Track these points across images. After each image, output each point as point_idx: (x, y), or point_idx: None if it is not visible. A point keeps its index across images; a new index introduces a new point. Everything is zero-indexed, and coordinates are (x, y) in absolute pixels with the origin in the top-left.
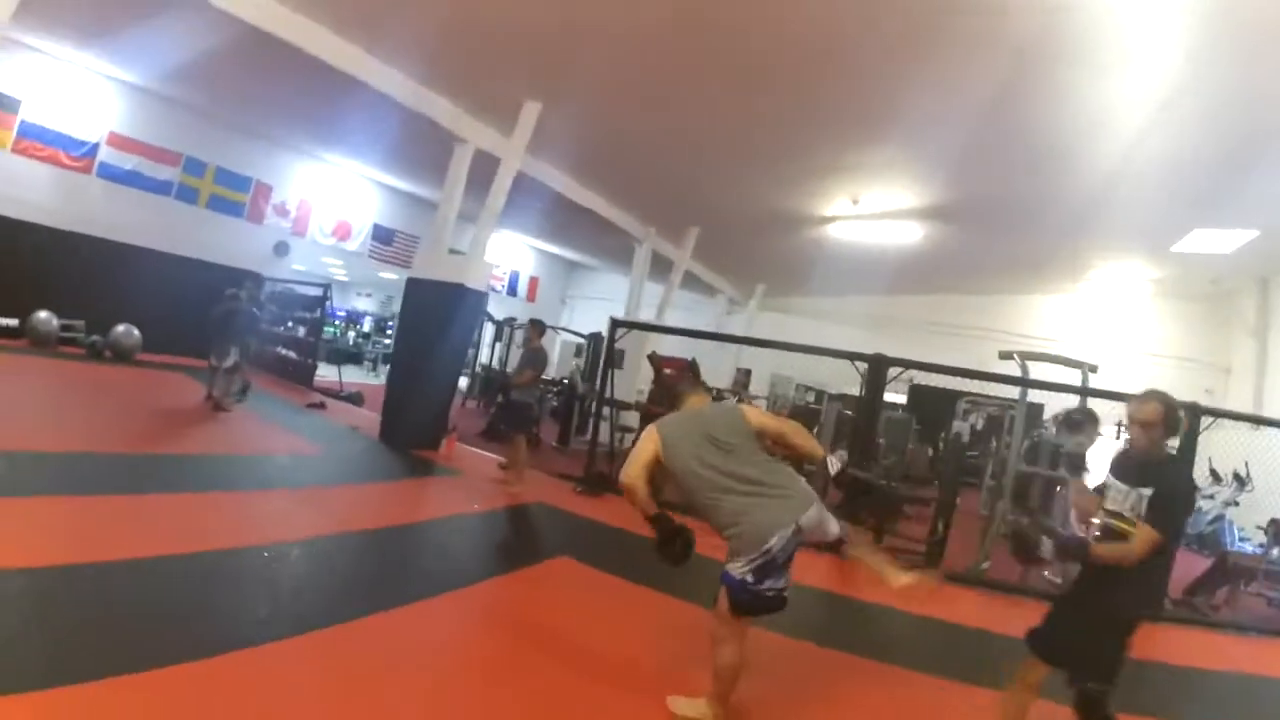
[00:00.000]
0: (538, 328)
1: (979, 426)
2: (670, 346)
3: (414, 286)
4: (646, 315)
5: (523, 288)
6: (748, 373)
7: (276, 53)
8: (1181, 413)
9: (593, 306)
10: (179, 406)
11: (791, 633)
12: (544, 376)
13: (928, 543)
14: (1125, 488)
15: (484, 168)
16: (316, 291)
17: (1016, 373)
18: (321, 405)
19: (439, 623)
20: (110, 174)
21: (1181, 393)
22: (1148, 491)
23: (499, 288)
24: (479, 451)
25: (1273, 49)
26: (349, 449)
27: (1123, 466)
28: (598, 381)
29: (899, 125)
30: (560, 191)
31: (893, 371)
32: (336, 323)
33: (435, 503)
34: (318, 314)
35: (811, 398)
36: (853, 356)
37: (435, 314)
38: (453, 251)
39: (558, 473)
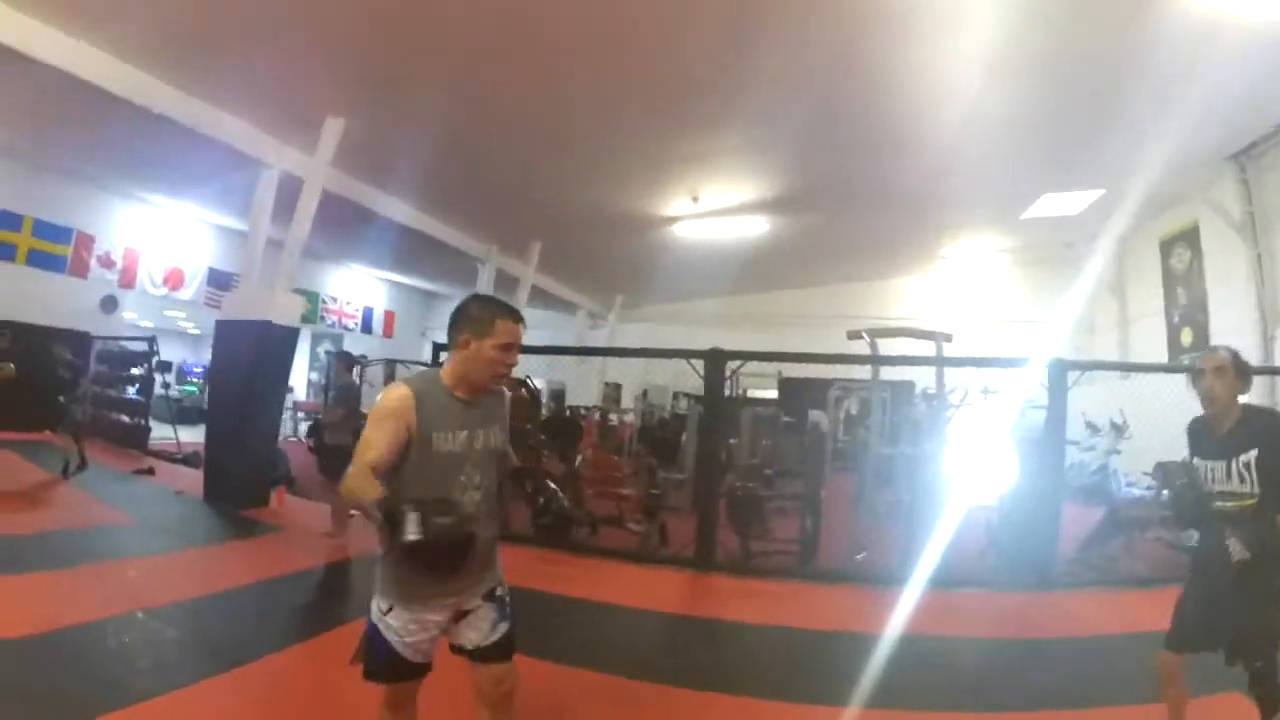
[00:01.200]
0: (344, 361)
1: (854, 411)
2: (531, 367)
3: (222, 329)
4: None
5: (378, 323)
6: (617, 386)
7: (87, 95)
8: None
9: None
10: None
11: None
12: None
13: (799, 541)
14: (1219, 462)
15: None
16: (143, 346)
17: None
18: (150, 471)
19: (203, 711)
20: None
21: (1048, 353)
22: (1253, 453)
23: (352, 325)
24: (312, 503)
25: (1098, 5)
26: (166, 515)
27: (1204, 441)
28: None
29: (727, 113)
30: (390, 216)
31: (757, 367)
32: (192, 380)
33: (241, 568)
34: (145, 370)
35: (685, 404)
36: (687, 355)
37: (245, 357)
38: (298, 291)
39: None
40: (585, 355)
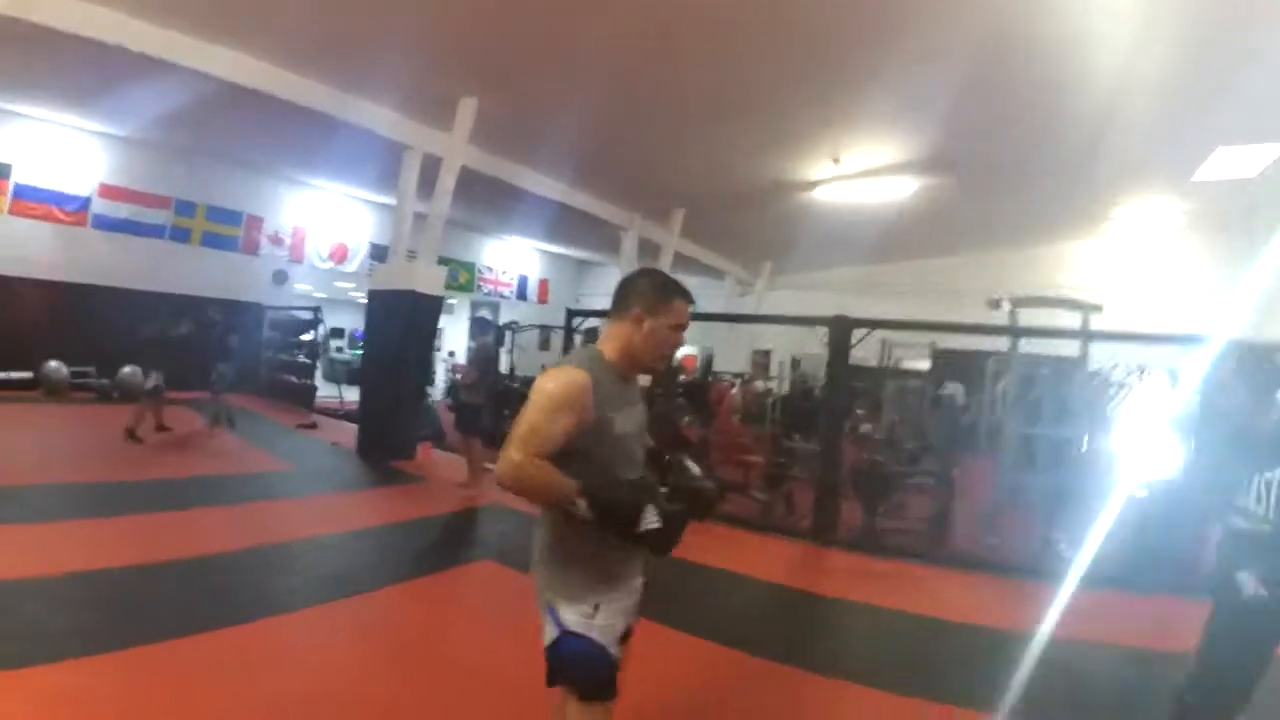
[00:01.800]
0: (480, 325)
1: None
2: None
3: (374, 298)
4: None
5: (533, 290)
6: (767, 353)
7: (248, 96)
8: None
9: (607, 303)
10: (164, 437)
11: (725, 638)
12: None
13: (928, 521)
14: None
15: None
16: (309, 315)
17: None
18: (313, 425)
19: (309, 632)
20: (104, 224)
21: (1226, 332)
22: None
23: (507, 293)
24: (455, 457)
25: None
26: (321, 465)
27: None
28: None
29: (871, 69)
30: (533, 190)
31: (910, 338)
32: (361, 344)
33: (378, 511)
34: (312, 336)
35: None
36: (811, 321)
37: (394, 324)
38: (455, 262)
39: None
40: (710, 320)
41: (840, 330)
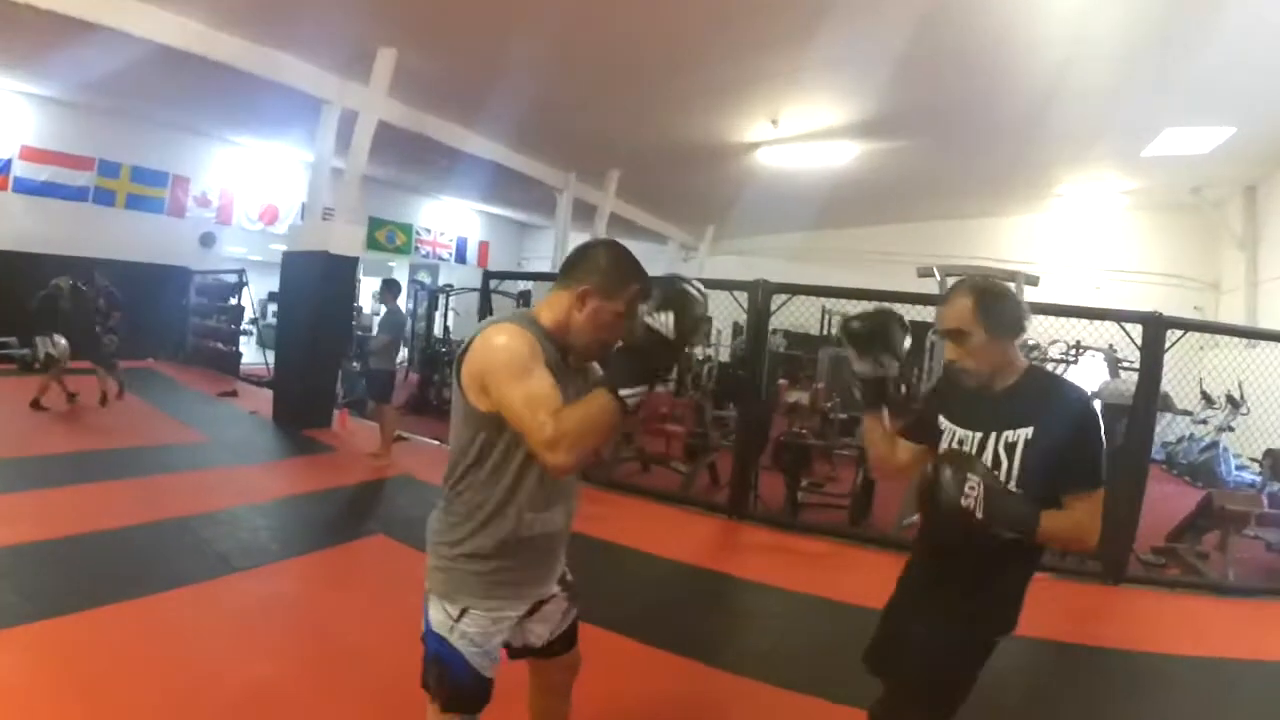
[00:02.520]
0: (391, 290)
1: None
2: None
3: (288, 260)
4: None
5: (472, 253)
6: (708, 321)
7: (169, 55)
8: (1017, 301)
9: (548, 265)
10: (74, 408)
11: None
12: None
13: (850, 496)
14: (971, 433)
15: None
16: (234, 279)
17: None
18: (233, 393)
19: (188, 611)
20: (25, 187)
21: (1169, 311)
22: (1026, 432)
23: (446, 255)
24: (372, 425)
25: None
26: (234, 435)
27: (956, 400)
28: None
29: (811, 22)
30: (462, 148)
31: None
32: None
33: (283, 483)
34: (233, 301)
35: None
36: (731, 286)
37: (308, 286)
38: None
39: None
40: None
41: (761, 295)
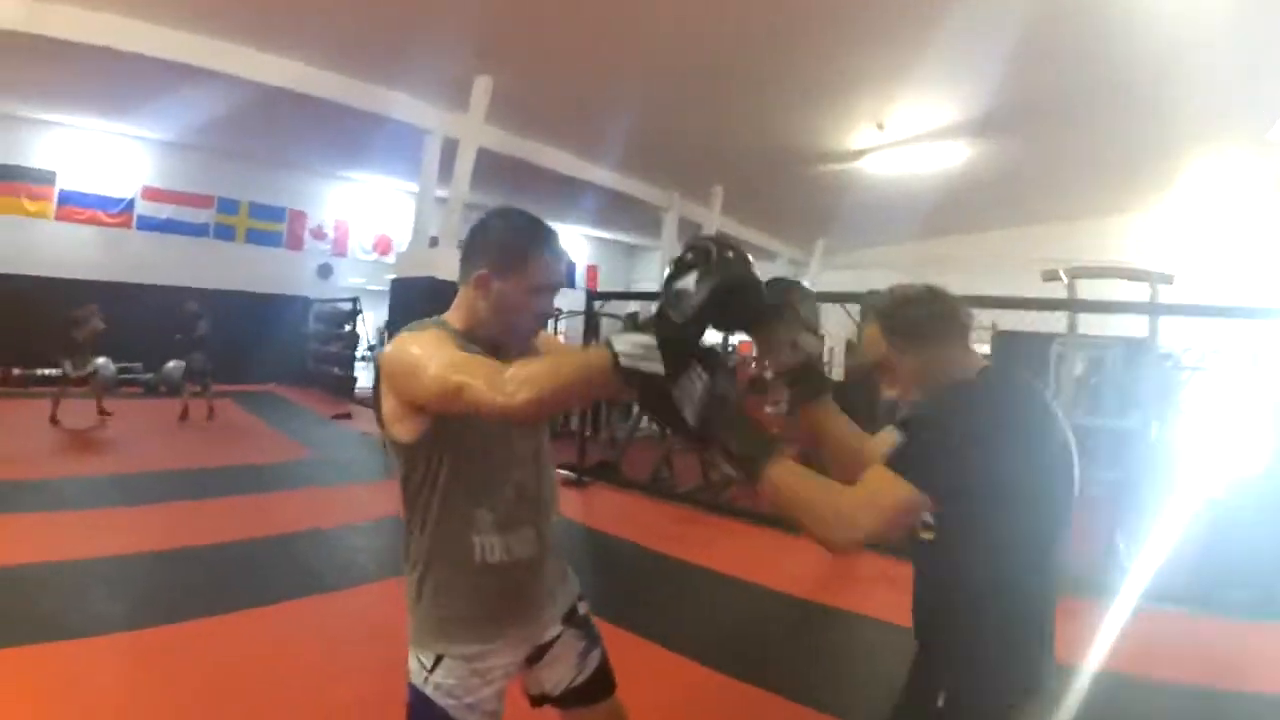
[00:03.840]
0: None
1: (1079, 372)
2: None
3: (396, 286)
4: None
5: (581, 277)
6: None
7: (282, 95)
8: (926, 308)
9: (655, 286)
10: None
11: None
12: None
13: None
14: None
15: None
16: (349, 307)
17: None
18: (347, 416)
19: (278, 628)
20: (148, 225)
21: None
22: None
23: None
24: None
25: None
26: (345, 454)
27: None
28: None
29: (918, 20)
30: (564, 172)
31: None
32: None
33: (383, 502)
34: (349, 329)
35: None
36: (844, 298)
37: (416, 310)
38: None
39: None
40: None
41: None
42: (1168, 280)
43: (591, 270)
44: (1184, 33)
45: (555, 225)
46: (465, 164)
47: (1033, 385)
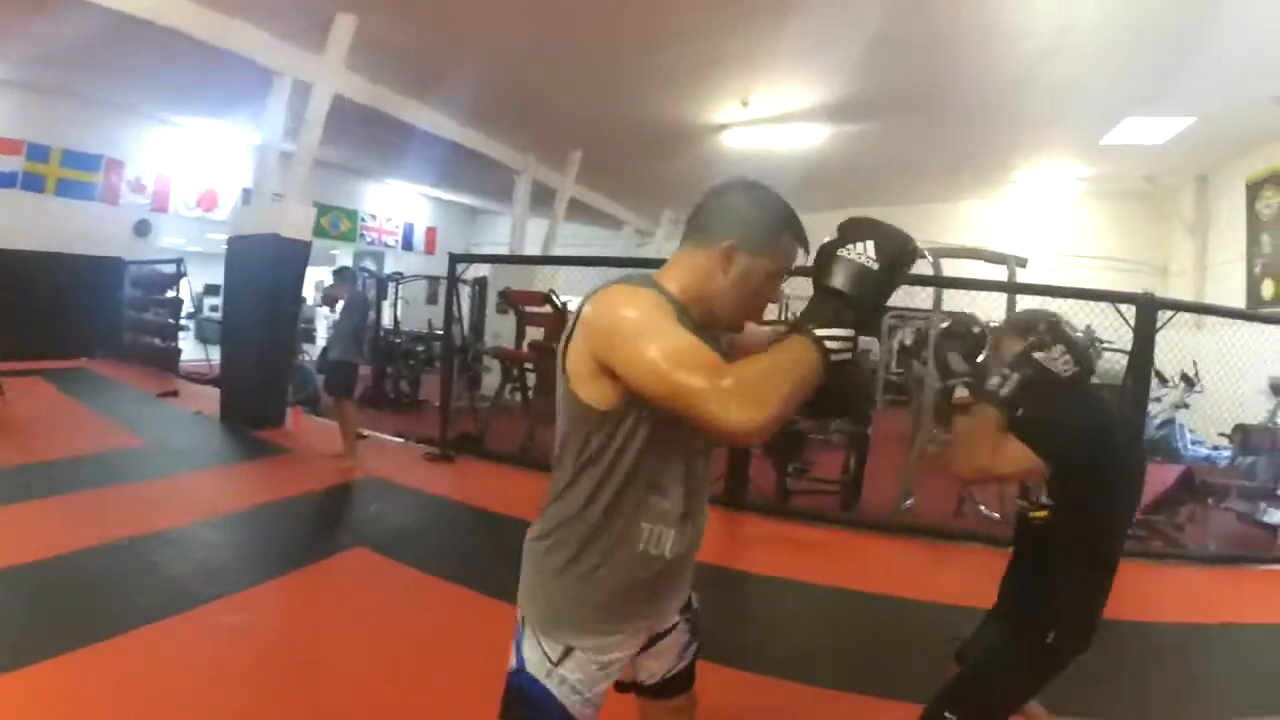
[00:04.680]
0: (346, 277)
1: (908, 342)
2: (574, 285)
3: (234, 245)
4: (535, 251)
5: (419, 240)
6: None
7: (106, 20)
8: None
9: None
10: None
11: None
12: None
13: (840, 482)
14: None
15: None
16: (172, 269)
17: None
18: (174, 393)
19: (148, 656)
20: None
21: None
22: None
23: (392, 243)
24: (328, 423)
25: None
26: (179, 438)
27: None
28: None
29: (791, 5)
30: (421, 126)
31: (806, 289)
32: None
33: (239, 492)
34: (171, 294)
35: None
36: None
37: (257, 273)
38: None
39: (426, 436)
40: (620, 266)
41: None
42: (1023, 263)
43: (430, 233)
44: (1029, 45)
45: (394, 182)
46: (318, 111)
47: None
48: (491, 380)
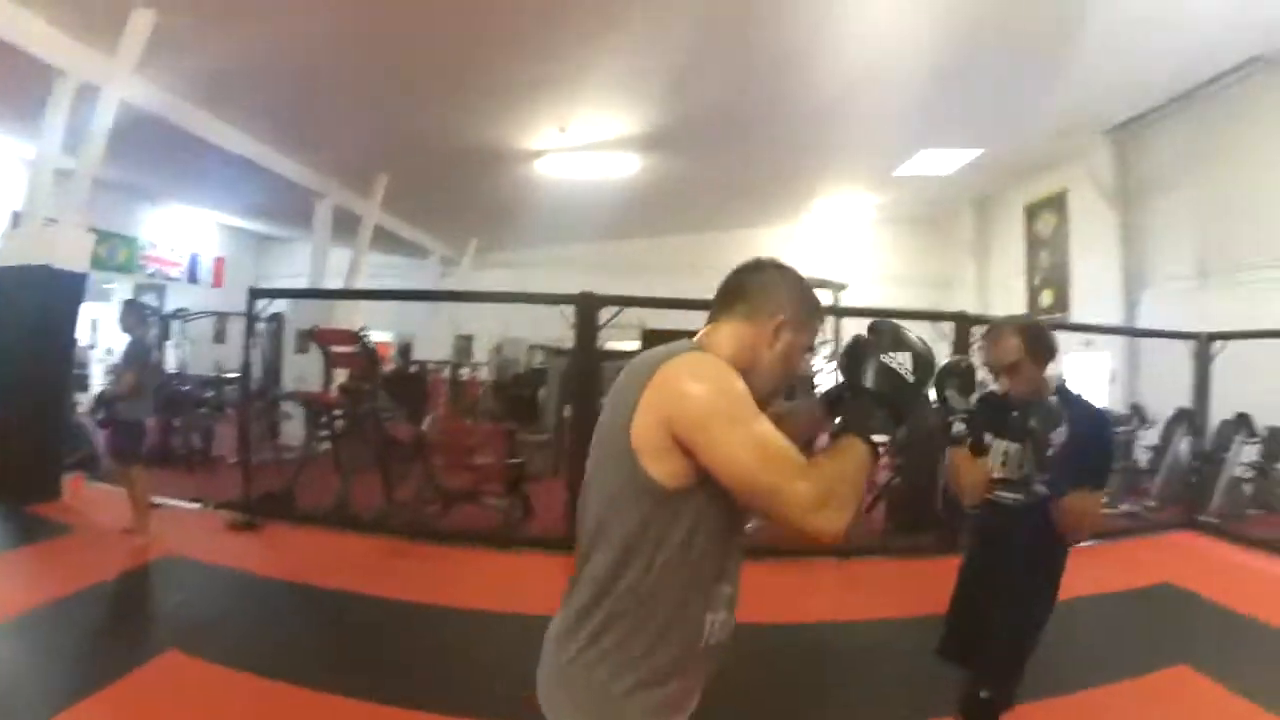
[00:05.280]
0: (135, 313)
1: None
2: (377, 318)
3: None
4: (336, 283)
5: (206, 271)
6: (469, 339)
7: None
8: (1050, 333)
9: (303, 283)
10: None
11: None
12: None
13: None
14: (1008, 443)
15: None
16: None
17: None
18: None
19: None
20: None
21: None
22: (1060, 436)
23: (176, 274)
24: (116, 490)
25: None
26: None
27: (996, 415)
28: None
29: (603, 32)
30: (214, 141)
31: (624, 318)
32: None
33: (13, 588)
34: None
35: (542, 358)
36: (555, 300)
37: (23, 311)
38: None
39: (226, 500)
40: (439, 300)
41: (586, 309)
42: (843, 288)
43: (218, 264)
44: (838, 78)
45: (179, 206)
46: (105, 119)
47: None
48: (293, 429)
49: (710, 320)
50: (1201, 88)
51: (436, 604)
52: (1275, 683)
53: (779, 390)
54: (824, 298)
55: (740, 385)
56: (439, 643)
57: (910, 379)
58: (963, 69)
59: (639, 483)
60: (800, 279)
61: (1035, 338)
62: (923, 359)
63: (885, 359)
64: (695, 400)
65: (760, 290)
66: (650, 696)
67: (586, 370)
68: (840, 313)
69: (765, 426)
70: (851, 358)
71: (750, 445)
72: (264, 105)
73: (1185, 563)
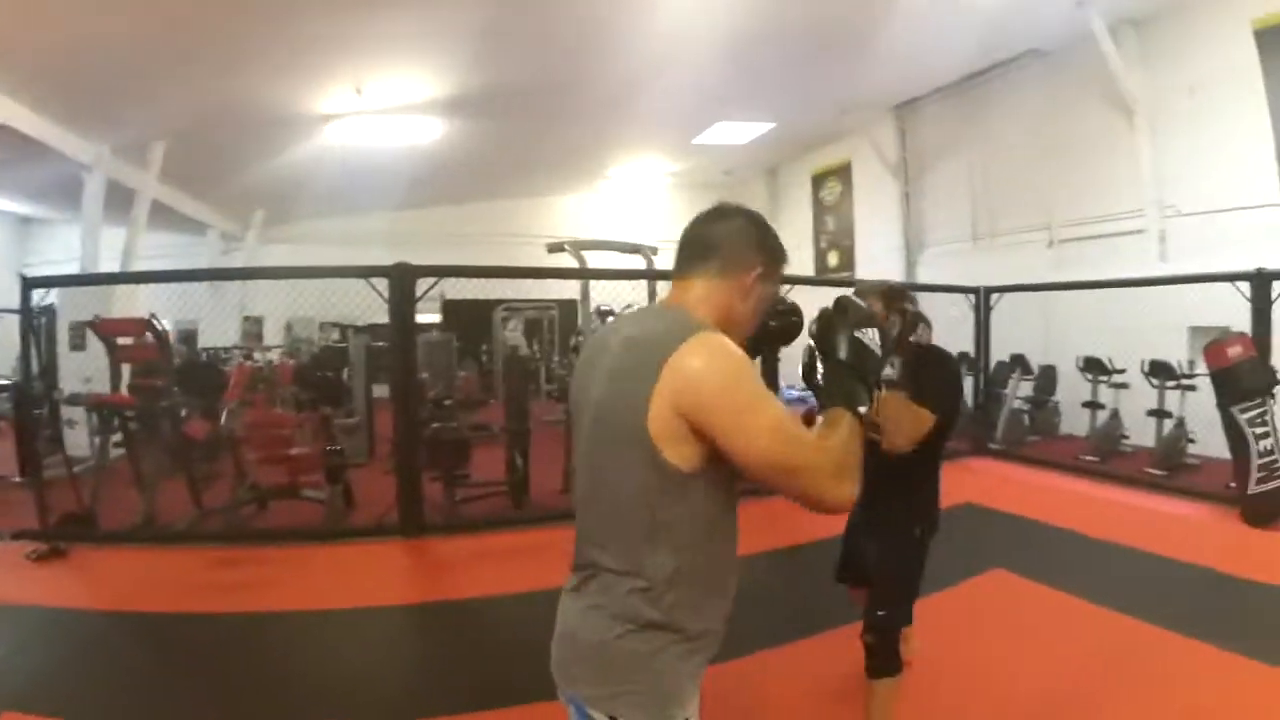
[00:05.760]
0: None
1: (519, 332)
2: (155, 305)
3: None
4: (110, 267)
5: None
6: (259, 321)
7: None
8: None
9: (61, 271)
10: None
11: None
12: None
13: (508, 481)
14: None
15: None
16: None
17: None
18: None
19: None
20: None
21: None
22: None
23: None
24: None
25: None
26: None
27: None
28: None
29: None
30: None
31: (423, 286)
32: None
33: None
34: None
35: (337, 335)
36: (368, 273)
37: None
38: None
39: (21, 529)
40: (237, 279)
41: (402, 281)
42: (655, 252)
43: None
44: (643, 48)
45: None
46: None
47: None
48: (77, 437)
49: (678, 274)
50: (981, 73)
51: (271, 610)
52: (1074, 572)
53: (746, 338)
54: (638, 263)
55: (750, 366)
56: (283, 651)
57: (879, 352)
58: (760, 48)
59: (660, 469)
60: (767, 225)
61: (894, 298)
62: (885, 334)
63: (858, 334)
64: (714, 389)
65: (730, 243)
66: (694, 661)
67: (405, 346)
68: (654, 276)
69: (779, 408)
70: (825, 332)
71: (772, 429)
72: (21, 59)
73: (981, 484)
